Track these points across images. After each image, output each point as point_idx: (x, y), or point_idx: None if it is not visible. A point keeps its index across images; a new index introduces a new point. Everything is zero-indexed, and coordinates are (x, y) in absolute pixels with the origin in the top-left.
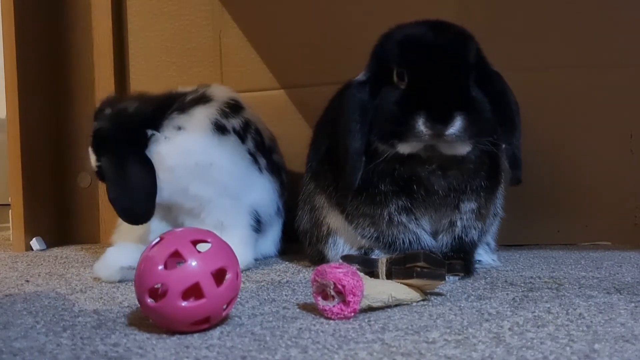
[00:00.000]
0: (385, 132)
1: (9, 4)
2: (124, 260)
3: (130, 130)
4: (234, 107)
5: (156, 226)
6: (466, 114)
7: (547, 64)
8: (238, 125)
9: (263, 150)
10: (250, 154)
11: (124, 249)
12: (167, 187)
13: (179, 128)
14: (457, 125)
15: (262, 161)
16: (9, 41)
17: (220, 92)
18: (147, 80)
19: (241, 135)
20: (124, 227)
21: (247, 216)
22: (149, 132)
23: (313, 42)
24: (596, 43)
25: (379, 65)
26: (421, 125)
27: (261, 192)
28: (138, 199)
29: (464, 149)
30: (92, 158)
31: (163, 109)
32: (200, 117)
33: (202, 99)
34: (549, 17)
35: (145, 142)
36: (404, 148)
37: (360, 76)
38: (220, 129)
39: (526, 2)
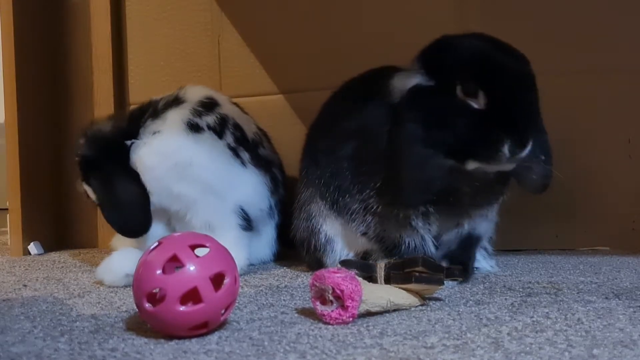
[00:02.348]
0: (463, 150)
1: (7, 8)
2: (130, 267)
3: (109, 147)
4: (207, 105)
5: (157, 231)
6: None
7: (545, 68)
8: (213, 121)
9: (246, 145)
10: (231, 148)
11: (129, 254)
12: (152, 190)
13: (154, 133)
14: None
15: (245, 155)
16: (8, 45)
17: (194, 93)
18: (145, 84)
19: (217, 130)
20: None
21: (233, 215)
22: (128, 142)
23: (312, 47)
24: (594, 48)
25: (440, 75)
26: (507, 150)
27: (247, 186)
28: (131, 212)
29: (511, 165)
30: (88, 190)
31: (137, 119)
32: (173, 119)
33: (175, 102)
34: (547, 22)
35: (127, 153)
36: (472, 165)
37: (422, 80)
38: (194, 127)
39: (524, 7)
